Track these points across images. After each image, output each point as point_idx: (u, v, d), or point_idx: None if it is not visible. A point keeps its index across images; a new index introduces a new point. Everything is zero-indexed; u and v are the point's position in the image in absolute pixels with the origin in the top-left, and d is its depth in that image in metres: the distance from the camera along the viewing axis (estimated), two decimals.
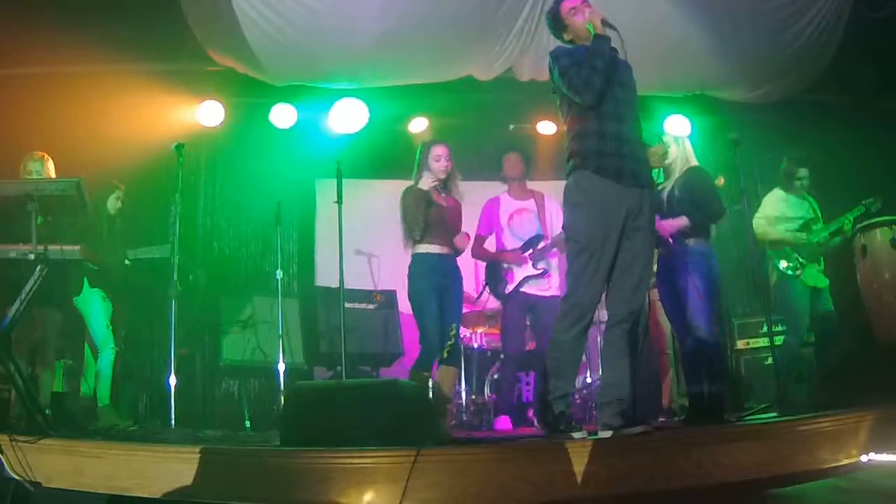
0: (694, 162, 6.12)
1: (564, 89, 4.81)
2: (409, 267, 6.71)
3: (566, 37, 5.06)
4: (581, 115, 4.82)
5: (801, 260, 7.25)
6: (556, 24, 5.09)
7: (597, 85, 4.70)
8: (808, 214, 7.46)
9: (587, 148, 4.75)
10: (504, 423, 7.23)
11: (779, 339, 7.29)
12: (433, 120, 9.23)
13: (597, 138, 4.74)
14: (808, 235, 7.32)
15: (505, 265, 7.35)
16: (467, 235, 6.91)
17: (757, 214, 7.46)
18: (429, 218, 6.60)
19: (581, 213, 4.73)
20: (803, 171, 7.52)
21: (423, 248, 6.65)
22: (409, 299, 6.71)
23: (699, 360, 5.71)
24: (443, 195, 6.77)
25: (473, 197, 7.11)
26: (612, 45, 4.83)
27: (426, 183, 6.67)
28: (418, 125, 9.19)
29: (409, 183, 6.78)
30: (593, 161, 4.72)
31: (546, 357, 4.82)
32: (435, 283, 6.58)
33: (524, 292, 7.28)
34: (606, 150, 4.72)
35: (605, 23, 4.84)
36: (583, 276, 4.66)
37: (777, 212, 7.42)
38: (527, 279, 7.26)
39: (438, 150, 6.79)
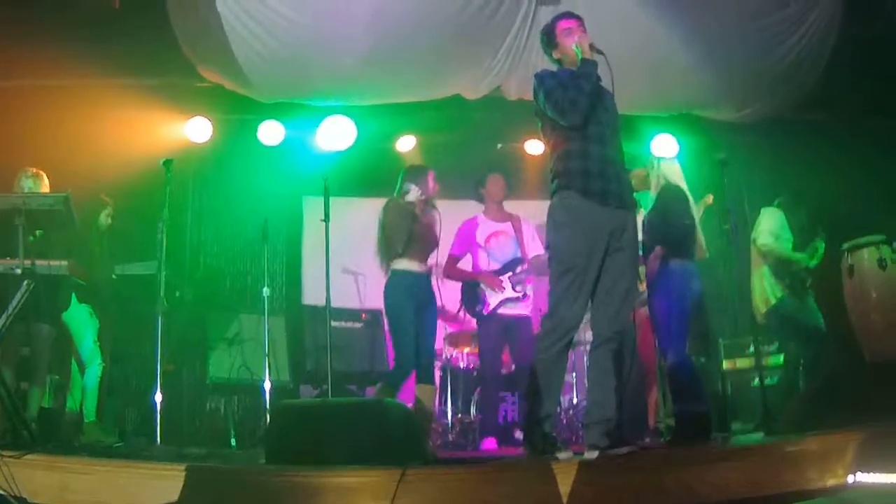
0: (671, 180, 6.10)
1: (549, 111, 4.82)
2: (387, 284, 6.68)
3: (555, 55, 5.10)
4: (564, 137, 4.85)
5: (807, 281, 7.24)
6: (549, 41, 5.13)
7: (583, 105, 4.72)
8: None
9: (572, 168, 4.78)
10: (490, 444, 7.21)
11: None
12: (421, 138, 9.22)
13: (581, 159, 4.77)
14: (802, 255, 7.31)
15: (482, 286, 7.34)
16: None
17: (760, 227, 7.42)
18: (413, 232, 6.58)
19: (565, 233, 4.74)
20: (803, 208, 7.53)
21: (402, 264, 6.62)
22: (386, 315, 6.71)
23: (682, 380, 5.71)
24: (424, 212, 6.75)
25: (457, 215, 7.11)
26: (598, 71, 4.86)
27: (414, 195, 6.65)
28: (406, 143, 9.17)
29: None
30: (579, 181, 4.74)
31: (529, 377, 4.82)
32: (412, 300, 6.55)
33: (501, 314, 7.27)
34: (592, 170, 4.75)
35: (593, 48, 4.88)
36: (566, 296, 4.68)
37: (777, 227, 7.37)
38: (505, 302, 7.26)
39: (433, 174, 6.84)
